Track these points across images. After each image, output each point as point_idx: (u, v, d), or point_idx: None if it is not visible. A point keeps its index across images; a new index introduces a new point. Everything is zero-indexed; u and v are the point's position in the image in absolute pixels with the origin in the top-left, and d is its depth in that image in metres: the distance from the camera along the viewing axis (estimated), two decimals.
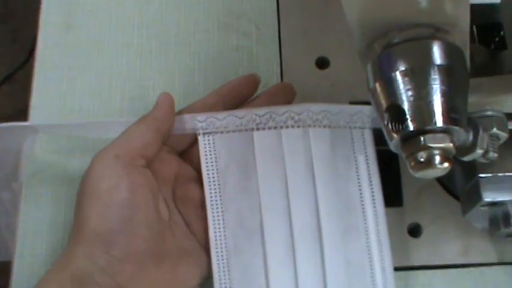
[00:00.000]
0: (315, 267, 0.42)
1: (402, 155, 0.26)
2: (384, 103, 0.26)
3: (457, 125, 0.25)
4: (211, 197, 0.43)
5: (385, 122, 0.26)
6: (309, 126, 0.44)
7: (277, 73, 0.49)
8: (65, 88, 0.49)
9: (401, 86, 0.25)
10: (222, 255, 0.42)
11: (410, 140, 0.25)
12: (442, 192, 0.45)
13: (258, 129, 0.44)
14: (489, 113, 0.29)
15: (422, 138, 0.25)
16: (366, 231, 0.43)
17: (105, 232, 0.37)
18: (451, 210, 0.43)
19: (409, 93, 0.25)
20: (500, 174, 0.35)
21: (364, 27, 0.26)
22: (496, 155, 0.28)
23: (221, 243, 0.42)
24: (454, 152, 0.25)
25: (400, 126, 0.25)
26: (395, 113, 0.25)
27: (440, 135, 0.25)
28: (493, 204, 0.36)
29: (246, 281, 0.42)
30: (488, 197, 0.35)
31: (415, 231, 0.44)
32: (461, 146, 0.26)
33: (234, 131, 0.44)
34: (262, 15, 0.50)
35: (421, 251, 0.44)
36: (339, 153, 0.44)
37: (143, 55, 0.50)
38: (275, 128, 0.44)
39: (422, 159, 0.25)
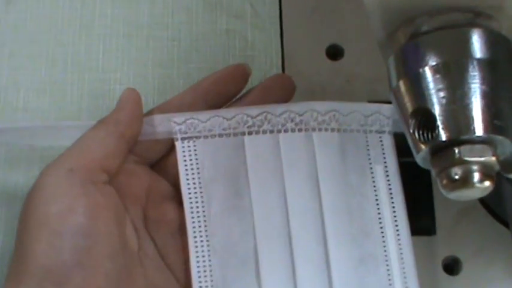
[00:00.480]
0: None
1: (432, 170, 0.28)
2: (409, 106, 0.27)
3: (501, 134, 0.26)
4: (192, 218, 0.44)
5: (411, 130, 0.27)
6: (313, 129, 0.46)
7: (277, 64, 0.51)
8: (5, 81, 0.50)
9: (431, 85, 0.26)
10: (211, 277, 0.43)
11: (442, 152, 0.26)
12: (487, 218, 0.46)
13: (250, 133, 0.46)
14: None
15: (457, 151, 0.26)
16: (386, 261, 0.44)
17: (56, 267, 0.37)
18: (499, 240, 0.45)
19: (441, 94, 0.26)
20: None
21: (386, 12, 0.27)
22: None
23: (206, 277, 0.43)
24: (497, 167, 0.27)
25: (430, 135, 0.26)
26: (424, 118, 0.26)
27: (479, 146, 0.26)
28: None
29: None
30: None
31: (452, 266, 0.46)
32: (508, 160, 0.28)
33: (220, 135, 0.46)
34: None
35: None
36: (351, 164, 0.46)
37: (107, 40, 0.51)
38: (271, 131, 0.46)
39: (457, 177, 0.26)
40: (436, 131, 0.26)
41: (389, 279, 0.44)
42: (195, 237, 0.44)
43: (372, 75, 0.50)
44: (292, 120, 0.46)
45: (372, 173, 0.46)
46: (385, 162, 0.46)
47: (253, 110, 0.46)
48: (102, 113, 0.44)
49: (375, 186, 0.45)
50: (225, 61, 0.51)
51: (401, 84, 0.27)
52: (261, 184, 0.45)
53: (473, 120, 0.26)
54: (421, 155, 0.27)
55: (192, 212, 0.44)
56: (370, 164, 0.46)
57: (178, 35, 0.52)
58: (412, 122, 0.27)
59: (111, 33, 0.52)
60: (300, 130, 0.46)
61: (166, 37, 0.52)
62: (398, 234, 0.44)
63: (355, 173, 0.46)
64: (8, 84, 0.50)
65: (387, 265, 0.44)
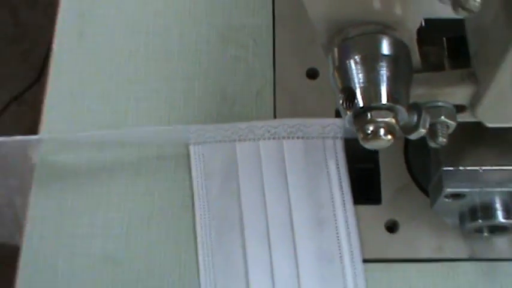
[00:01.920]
0: (288, 254, 0.48)
1: (354, 128, 0.31)
2: (340, 86, 0.31)
3: (398, 104, 0.30)
4: (199, 198, 0.49)
5: (340, 102, 0.31)
6: (283, 138, 0.51)
7: (270, 82, 0.53)
8: (76, 90, 0.53)
9: (354, 71, 0.30)
10: (207, 244, 0.48)
11: (360, 115, 0.30)
12: (418, 193, 0.49)
13: (240, 140, 0.51)
14: (439, 103, 0.35)
15: (369, 114, 0.30)
16: (336, 224, 0.48)
17: None
18: (427, 209, 0.47)
19: (360, 77, 0.30)
20: (462, 168, 0.41)
21: (326, 25, 0.31)
22: (444, 140, 0.34)
23: (206, 234, 0.48)
24: (396, 127, 0.31)
25: (352, 105, 0.30)
26: (349, 94, 0.31)
27: (384, 111, 0.30)
28: (456, 196, 0.42)
29: (227, 267, 0.48)
30: (449, 187, 0.40)
31: (392, 227, 0.49)
32: (407, 125, 0.32)
33: (220, 142, 0.51)
34: (259, 30, 0.55)
35: (397, 246, 0.48)
36: (311, 160, 0.50)
37: (149, 62, 0.54)
38: (254, 140, 0.51)
39: (369, 132, 0.30)
40: (356, 101, 0.30)
41: (338, 237, 0.48)
42: (200, 208, 0.49)
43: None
44: (269, 132, 0.51)
45: (326, 166, 0.50)
46: (336, 158, 0.50)
47: (242, 125, 0.50)
48: (144, 114, 0.51)
49: (328, 175, 0.50)
50: (232, 79, 0.54)
51: (335, 72, 0.31)
52: (246, 176, 0.50)
53: (380, 93, 0.30)
54: (347, 118, 0.31)
55: (198, 194, 0.50)
56: (326, 160, 0.50)
57: (199, 59, 0.54)
58: (341, 96, 0.31)
59: (152, 58, 0.54)
60: (274, 138, 0.51)
61: (191, 61, 0.54)
62: (345, 207, 0.49)
63: (314, 167, 0.50)
64: (78, 93, 0.53)
65: (337, 227, 0.48)
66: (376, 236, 0.49)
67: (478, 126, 0.39)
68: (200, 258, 0.48)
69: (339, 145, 0.51)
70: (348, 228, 0.48)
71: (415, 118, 0.32)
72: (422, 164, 0.48)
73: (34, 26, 1.40)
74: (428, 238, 0.49)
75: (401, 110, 0.31)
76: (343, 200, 0.49)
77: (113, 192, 0.50)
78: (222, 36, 0.55)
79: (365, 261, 0.48)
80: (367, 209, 0.49)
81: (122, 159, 0.51)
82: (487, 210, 0.44)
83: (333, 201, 0.49)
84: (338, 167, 0.50)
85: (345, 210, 0.49)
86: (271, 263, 0.48)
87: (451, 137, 0.40)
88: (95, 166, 0.51)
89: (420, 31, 0.36)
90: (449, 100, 0.35)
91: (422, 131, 0.32)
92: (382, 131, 0.30)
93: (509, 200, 0.44)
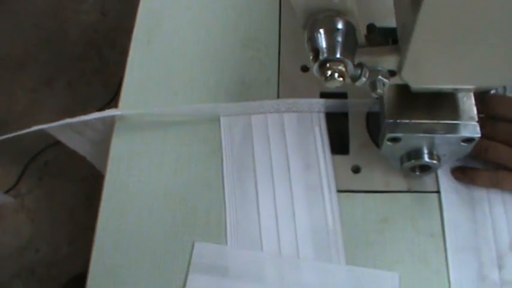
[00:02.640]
0: (285, 187, 0.52)
1: (318, 74, 0.36)
2: (310, 48, 0.36)
3: (347, 58, 0.35)
4: (225, 150, 0.53)
5: (311, 57, 0.36)
6: (283, 112, 0.54)
7: (275, 74, 0.56)
8: (150, 84, 0.57)
9: (320, 38, 0.35)
10: (230, 180, 0.52)
11: (322, 65, 0.35)
12: (374, 147, 0.53)
13: (254, 113, 0.54)
14: (378, 68, 0.40)
15: (328, 64, 0.35)
16: (318, 167, 0.52)
17: None
18: (379, 158, 0.50)
19: (323, 42, 0.35)
20: (398, 121, 0.45)
21: (303, 12, 0.36)
22: (381, 91, 0.39)
23: (230, 174, 0.52)
24: (347, 74, 0.35)
25: (317, 58, 0.35)
26: (316, 52, 0.35)
27: (337, 62, 0.35)
28: (394, 140, 0.45)
29: (244, 196, 0.51)
30: (389, 132, 0.44)
31: (356, 170, 0.52)
32: (353, 75, 0.37)
33: (240, 115, 0.55)
34: (269, 39, 0.58)
35: (359, 182, 0.52)
36: (302, 127, 0.54)
37: (195, 62, 0.58)
38: (263, 113, 0.54)
39: (328, 75, 0.35)
40: (320, 56, 0.35)
41: (320, 175, 0.51)
42: (226, 157, 0.53)
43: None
44: (273, 107, 0.54)
45: (313, 130, 0.53)
46: (320, 125, 0.54)
47: (255, 103, 0.54)
48: (197, 95, 0.55)
49: (314, 135, 0.53)
50: (249, 71, 0.57)
51: (309, 40, 0.36)
52: (258, 137, 0.53)
53: (335, 51, 0.35)
54: (314, 68, 0.35)
55: (225, 148, 0.53)
56: (312, 126, 0.54)
57: (228, 59, 0.58)
58: (311, 54, 0.36)
59: (202, 58, 0.58)
60: (277, 112, 0.54)
61: (223, 60, 0.58)
62: (325, 155, 0.52)
63: (304, 131, 0.53)
64: (151, 86, 0.56)
65: (319, 169, 0.52)
66: (345, 175, 0.52)
67: (414, 92, 0.43)
68: (226, 188, 0.52)
69: (322, 117, 0.54)
70: (327, 169, 0.52)
71: (359, 71, 0.39)
72: (377, 128, 0.50)
73: (113, 61, 1.47)
74: (380, 177, 0.52)
75: (349, 63, 0.36)
76: (324, 152, 0.53)
77: (167, 143, 0.55)
78: (243, 43, 0.59)
79: (338, 191, 0.51)
80: (339, 158, 0.53)
81: (176, 124, 0.55)
82: (418, 153, 0.47)
83: (316, 153, 0.53)
84: (321, 131, 0.54)
85: (324, 158, 0.52)
86: (274, 194, 0.51)
87: (393, 99, 0.46)
88: (157, 127, 0.56)
89: (372, 34, 0.43)
90: (385, 66, 0.40)
91: (363, 79, 0.38)
92: (336, 75, 0.36)
93: (433, 146, 0.46)
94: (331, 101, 0.54)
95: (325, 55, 0.36)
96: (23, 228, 1.29)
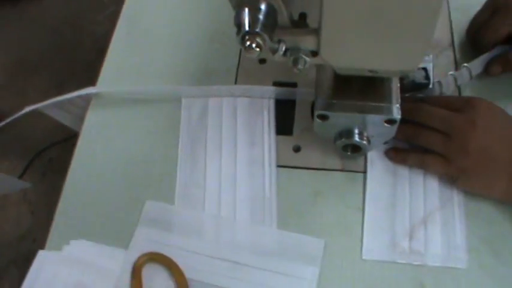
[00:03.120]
0: (231, 160, 0.57)
1: (240, 46, 0.41)
2: (236, 23, 0.41)
3: (264, 33, 0.40)
4: (183, 127, 0.59)
5: (236, 31, 0.41)
6: (238, 96, 0.59)
7: (235, 65, 0.63)
8: (126, 68, 0.65)
9: (244, 16, 0.41)
10: (184, 152, 0.57)
11: (243, 36, 0.40)
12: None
13: (211, 96, 0.60)
14: (301, 47, 0.45)
15: (247, 36, 0.40)
16: (263, 144, 0.57)
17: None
18: (318, 140, 0.55)
19: (246, 18, 0.40)
20: (328, 100, 0.49)
21: None
22: (301, 67, 0.44)
23: (184, 146, 0.58)
24: (264, 46, 0.40)
25: (240, 31, 0.40)
26: (239, 26, 0.40)
27: (256, 35, 0.40)
28: (322, 117, 0.49)
29: (194, 166, 0.57)
30: (318, 109, 0.49)
31: (297, 149, 0.57)
32: (272, 48, 0.43)
33: (199, 97, 0.60)
34: (233, 35, 0.59)
35: (298, 159, 0.56)
36: (253, 110, 0.59)
37: (168, 51, 0.66)
38: (220, 96, 0.60)
39: (247, 46, 0.40)
40: (242, 29, 0.40)
41: (263, 152, 0.56)
42: (183, 132, 0.58)
43: (277, 72, 0.62)
44: (229, 92, 0.59)
45: (262, 113, 0.58)
46: (268, 109, 0.59)
47: (214, 87, 0.59)
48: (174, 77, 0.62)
49: (262, 118, 0.58)
50: (213, 61, 0.63)
51: (235, 17, 0.41)
52: (213, 117, 0.59)
53: (255, 25, 0.40)
54: (238, 39, 0.40)
55: (183, 124, 0.58)
56: (262, 110, 0.59)
57: (196, 50, 0.65)
58: (236, 28, 0.41)
59: (171, 49, 0.65)
60: (231, 96, 0.59)
61: (192, 51, 0.65)
62: (270, 135, 0.57)
63: (254, 113, 0.58)
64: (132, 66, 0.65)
65: (263, 146, 0.57)
66: (287, 153, 0.57)
67: (347, 76, 0.48)
68: (179, 158, 0.57)
69: (272, 102, 0.60)
70: (270, 147, 0.57)
71: (277, 46, 0.45)
72: None
73: None
74: (318, 156, 0.57)
75: (267, 38, 0.42)
76: (269, 132, 0.58)
77: (135, 118, 0.62)
78: (211, 37, 0.65)
79: (278, 166, 0.56)
80: (283, 138, 0.58)
81: (144, 102, 0.62)
82: (349, 133, 0.51)
83: (262, 132, 0.58)
84: (269, 114, 0.59)
85: (269, 137, 0.57)
86: (220, 165, 0.56)
87: (326, 80, 0.51)
88: (127, 104, 0.62)
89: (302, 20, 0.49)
90: (306, 46, 0.45)
91: (281, 53, 0.44)
92: (253, 45, 0.41)
93: (363, 127, 0.51)
94: (281, 89, 0.61)
95: (246, 29, 0.42)
96: (23, 219, 1.37)
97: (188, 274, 0.51)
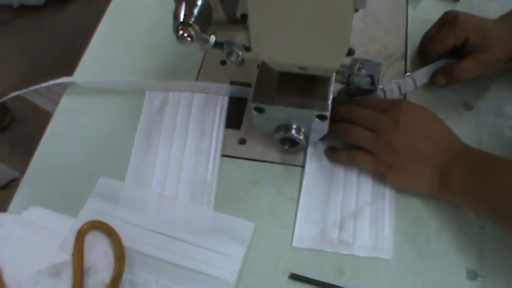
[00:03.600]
0: (180, 149, 0.61)
1: (175, 35, 0.45)
2: (174, 15, 0.46)
3: (196, 25, 0.45)
4: (143, 117, 0.64)
5: (173, 21, 0.46)
6: (195, 92, 0.65)
7: (199, 64, 0.69)
8: (101, 62, 0.71)
9: (180, 9, 0.45)
10: (139, 139, 0.63)
11: (177, 27, 0.45)
12: None
13: (172, 91, 0.65)
14: (236, 41, 0.50)
15: (180, 26, 0.45)
16: (211, 135, 0.62)
17: None
18: (264, 136, 0.60)
19: (183, 10, 0.45)
20: (264, 94, 0.55)
21: None
22: (234, 60, 0.50)
23: (141, 134, 0.63)
24: (195, 37, 0.45)
25: (176, 21, 0.45)
26: (176, 15, 0.44)
27: (188, 26, 0.45)
28: (258, 110, 0.54)
29: (148, 152, 0.62)
30: (253, 102, 0.53)
31: (242, 141, 0.62)
32: (204, 38, 0.47)
33: (161, 91, 0.66)
34: None
35: (242, 151, 0.61)
36: (207, 105, 0.64)
37: (145, 50, 0.73)
38: (179, 91, 0.65)
39: (179, 35, 0.45)
40: (177, 20, 0.45)
41: (211, 141, 0.61)
42: (142, 122, 0.64)
43: (235, 73, 0.66)
44: (188, 88, 0.64)
45: (215, 108, 0.64)
46: (222, 106, 0.64)
47: (174, 83, 0.64)
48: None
49: (215, 112, 0.64)
50: (180, 59, 0.69)
51: (175, 10, 0.46)
52: (170, 109, 0.64)
53: (190, 18, 0.45)
54: (173, 27, 0.45)
55: (143, 114, 0.64)
56: (216, 105, 0.64)
57: (166, 49, 0.71)
58: (174, 18, 0.46)
59: (143, 53, 0.71)
60: (190, 92, 0.65)
61: (162, 51, 0.71)
62: (219, 128, 0.62)
63: (208, 108, 0.64)
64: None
65: (211, 137, 0.62)
66: (233, 145, 0.62)
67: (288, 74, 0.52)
68: (135, 142, 0.63)
69: (226, 99, 0.65)
70: (217, 139, 0.62)
71: (208, 38, 0.50)
72: None
73: None
74: (261, 149, 0.61)
75: (198, 29, 0.47)
76: (219, 126, 0.63)
77: (102, 106, 0.68)
78: None
79: (223, 156, 0.61)
80: (232, 131, 0.63)
81: (112, 93, 0.68)
82: (287, 127, 0.55)
83: (212, 126, 0.63)
84: (221, 110, 0.64)
85: (218, 131, 0.62)
86: (170, 151, 0.61)
87: (265, 77, 0.56)
88: (98, 94, 0.68)
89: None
90: (240, 41, 0.49)
91: (211, 42, 0.49)
92: (185, 35, 0.47)
93: (301, 123, 0.55)
94: (235, 88, 0.66)
95: (181, 20, 0.47)
96: None
97: (127, 243, 0.55)
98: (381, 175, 0.56)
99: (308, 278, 0.53)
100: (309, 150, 0.61)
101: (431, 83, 0.65)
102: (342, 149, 0.59)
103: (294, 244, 0.55)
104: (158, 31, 0.72)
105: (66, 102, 0.68)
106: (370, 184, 0.58)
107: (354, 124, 0.57)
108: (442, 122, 0.56)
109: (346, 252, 0.54)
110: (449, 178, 0.52)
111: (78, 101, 0.68)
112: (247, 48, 0.52)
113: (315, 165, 0.60)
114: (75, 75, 0.71)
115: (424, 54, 0.67)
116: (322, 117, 0.55)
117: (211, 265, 0.54)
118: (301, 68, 0.53)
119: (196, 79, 0.68)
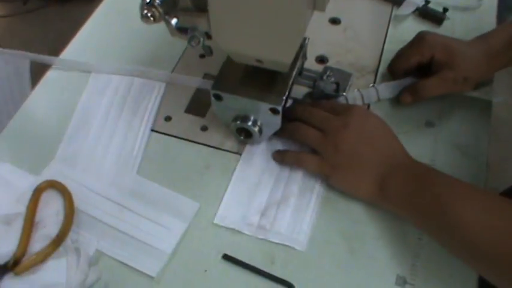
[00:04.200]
0: (113, 123, 0.66)
1: (140, 14, 0.50)
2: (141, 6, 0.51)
3: (161, 8, 0.50)
4: (83, 98, 0.69)
5: (140, 3, 0.50)
6: (135, 76, 0.70)
7: (179, 55, 0.72)
8: (87, 47, 0.77)
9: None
10: (78, 117, 0.67)
11: (143, 7, 0.50)
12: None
13: (116, 74, 0.70)
14: (199, 28, 0.53)
15: (145, 6, 0.50)
16: (143, 116, 0.67)
17: None
18: (225, 126, 0.63)
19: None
20: (225, 83, 0.58)
21: None
22: (195, 45, 0.53)
23: (81, 114, 0.68)
24: (158, 17, 0.50)
25: (144, 3, 0.50)
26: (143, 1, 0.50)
27: (152, 8, 0.50)
28: (217, 97, 0.57)
29: (83, 124, 0.66)
30: (212, 89, 0.56)
31: (204, 128, 0.65)
32: (167, 20, 0.52)
33: (108, 74, 0.71)
34: None
35: (203, 137, 0.65)
36: (146, 89, 0.69)
37: (134, 39, 0.78)
38: (122, 75, 0.71)
39: (143, 14, 0.49)
40: (143, 2, 0.50)
41: (141, 125, 0.66)
42: (83, 103, 0.68)
43: (212, 66, 0.70)
44: (127, 72, 0.70)
45: (152, 92, 0.69)
46: (158, 90, 0.69)
47: (115, 65, 0.69)
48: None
49: (150, 99, 0.68)
50: (166, 51, 0.73)
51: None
52: (111, 90, 0.68)
53: (155, 1, 0.53)
54: (140, 6, 0.50)
55: (85, 95, 0.69)
56: (153, 90, 0.69)
57: (150, 37, 0.76)
58: (141, 2, 0.51)
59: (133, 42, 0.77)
60: (130, 75, 0.70)
61: (146, 37, 0.77)
62: (150, 112, 0.68)
63: (147, 92, 0.69)
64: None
65: (143, 116, 0.67)
66: (195, 131, 0.66)
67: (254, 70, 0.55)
68: (73, 117, 0.67)
69: (163, 86, 0.69)
70: (148, 118, 0.67)
71: (170, 19, 0.54)
72: None
73: None
74: (220, 138, 0.65)
75: (161, 11, 0.52)
76: (153, 106, 0.68)
77: (82, 85, 0.74)
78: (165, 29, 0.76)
79: (185, 139, 0.65)
80: (196, 118, 0.67)
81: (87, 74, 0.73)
82: (244, 118, 0.58)
83: (147, 105, 0.68)
84: (157, 94, 0.69)
85: (152, 110, 0.67)
86: (104, 126, 0.66)
87: (230, 67, 0.59)
88: (79, 72, 0.73)
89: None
90: (202, 28, 0.54)
91: (173, 25, 0.53)
92: (149, 14, 0.51)
93: (258, 116, 0.58)
94: (203, 80, 0.71)
95: (147, 1, 0.52)
96: None
97: (79, 205, 0.60)
98: (325, 176, 0.58)
99: (240, 261, 0.56)
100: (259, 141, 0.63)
101: (398, 100, 0.67)
102: (289, 150, 0.61)
103: (215, 221, 0.58)
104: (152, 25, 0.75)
105: (51, 75, 0.73)
106: (300, 178, 0.60)
107: (307, 124, 0.59)
108: (391, 131, 0.57)
109: (261, 237, 0.56)
110: (388, 186, 0.53)
111: (62, 76, 0.73)
112: (209, 36, 0.55)
113: (252, 154, 0.62)
114: (65, 52, 0.76)
115: (392, 71, 0.70)
116: (274, 111, 0.57)
117: (151, 235, 0.57)
118: (258, 61, 0.56)
119: (173, 70, 0.72)
